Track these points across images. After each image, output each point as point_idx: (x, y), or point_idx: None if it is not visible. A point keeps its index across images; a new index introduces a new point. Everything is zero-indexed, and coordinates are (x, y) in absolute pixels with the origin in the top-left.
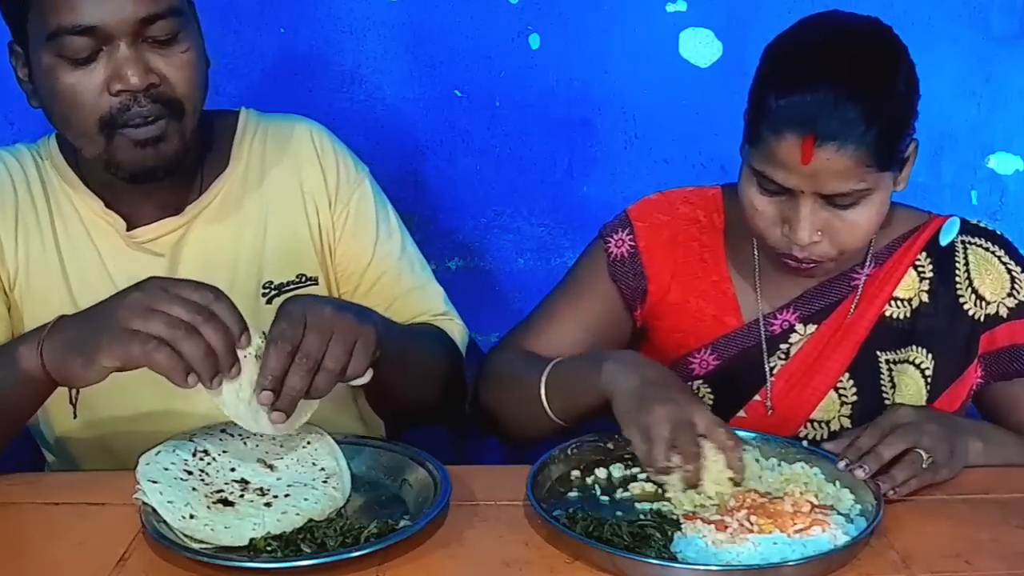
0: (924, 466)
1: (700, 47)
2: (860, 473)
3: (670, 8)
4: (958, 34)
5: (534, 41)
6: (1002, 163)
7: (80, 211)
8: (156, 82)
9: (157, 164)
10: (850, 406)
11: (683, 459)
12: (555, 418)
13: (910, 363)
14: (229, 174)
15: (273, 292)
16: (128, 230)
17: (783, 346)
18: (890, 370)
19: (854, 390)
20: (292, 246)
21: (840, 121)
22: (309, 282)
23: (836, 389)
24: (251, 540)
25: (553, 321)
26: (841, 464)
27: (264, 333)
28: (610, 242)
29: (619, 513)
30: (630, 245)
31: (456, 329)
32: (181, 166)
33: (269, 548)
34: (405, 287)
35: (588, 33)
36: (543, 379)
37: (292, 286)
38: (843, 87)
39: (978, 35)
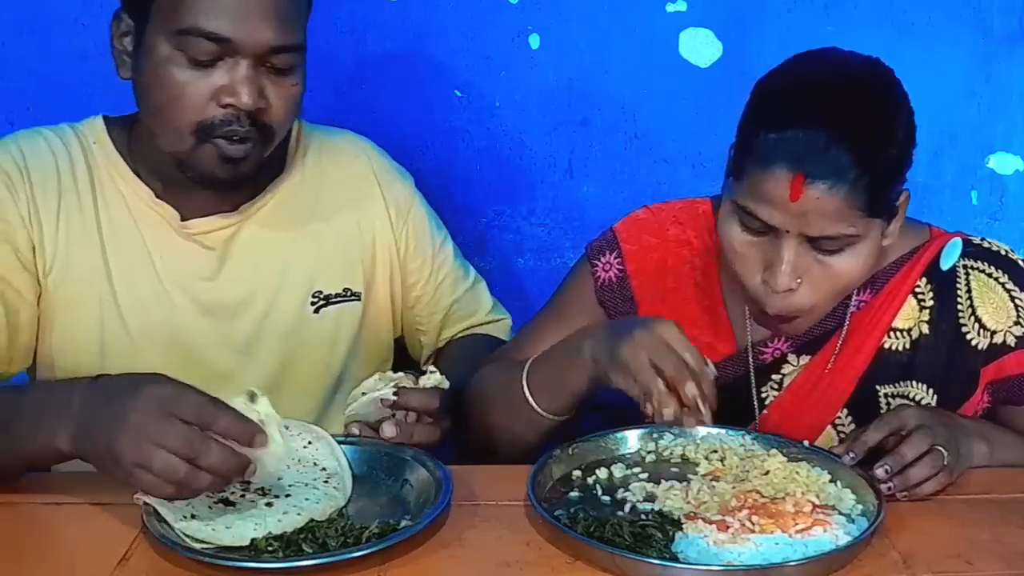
0: (944, 463)
1: (700, 47)
2: (881, 473)
3: (670, 8)
4: (958, 34)
5: (534, 41)
6: (1002, 163)
7: (128, 199)
8: (263, 107)
9: (230, 178)
10: None
11: (669, 377)
12: (542, 412)
13: (910, 399)
14: (285, 181)
15: (321, 302)
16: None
17: (775, 377)
18: (888, 404)
19: (852, 426)
20: (343, 260)
21: (833, 162)
22: (353, 297)
23: (833, 424)
24: (252, 540)
25: (538, 342)
26: (847, 458)
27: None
28: (597, 265)
29: (620, 513)
30: (618, 269)
31: (503, 329)
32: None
33: (270, 548)
34: (461, 290)
35: (588, 33)
36: (524, 376)
37: (339, 298)
38: (839, 128)
39: (978, 35)
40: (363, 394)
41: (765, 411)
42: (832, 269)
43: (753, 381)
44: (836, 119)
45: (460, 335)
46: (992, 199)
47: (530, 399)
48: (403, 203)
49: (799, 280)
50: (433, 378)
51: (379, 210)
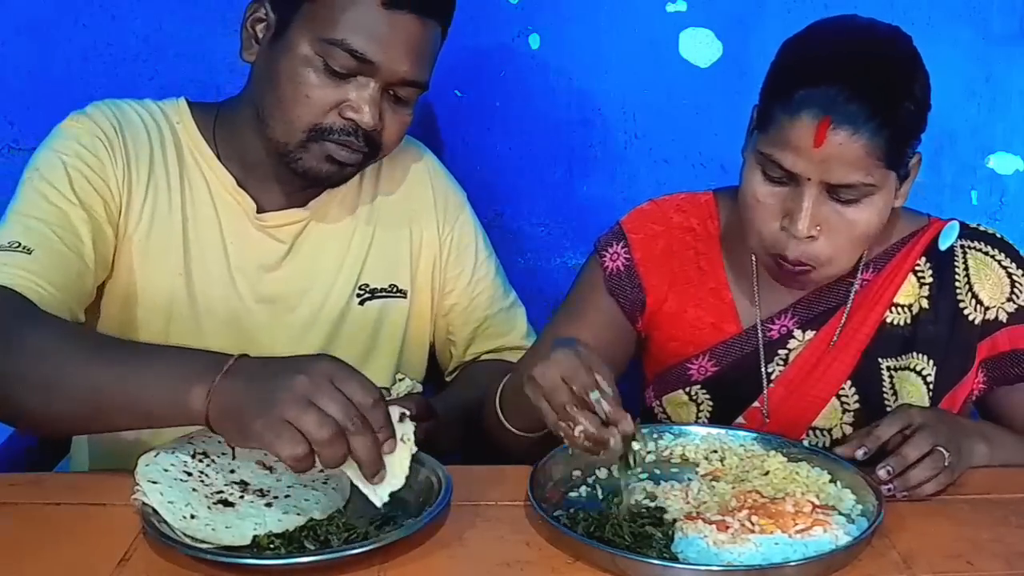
0: (945, 463)
1: (700, 47)
2: (883, 474)
3: (670, 8)
4: (958, 34)
5: (534, 41)
6: (1002, 163)
7: (211, 184)
8: (380, 128)
9: (331, 178)
10: (852, 413)
11: (577, 392)
12: (511, 429)
13: (912, 370)
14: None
15: (367, 295)
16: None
17: (781, 352)
18: (892, 377)
19: (856, 397)
20: (392, 257)
21: (855, 111)
22: (399, 294)
23: (838, 397)
24: (255, 538)
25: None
26: (859, 453)
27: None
28: (605, 256)
29: (619, 513)
30: (625, 258)
31: None
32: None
33: (272, 546)
34: (496, 307)
35: (588, 33)
36: (498, 393)
37: (384, 293)
38: (862, 81)
39: (978, 35)
40: None
41: (772, 385)
42: (849, 219)
43: (762, 357)
44: (860, 73)
45: (489, 355)
46: (992, 199)
47: (501, 416)
48: (452, 211)
49: (818, 228)
50: (402, 385)
51: (429, 214)
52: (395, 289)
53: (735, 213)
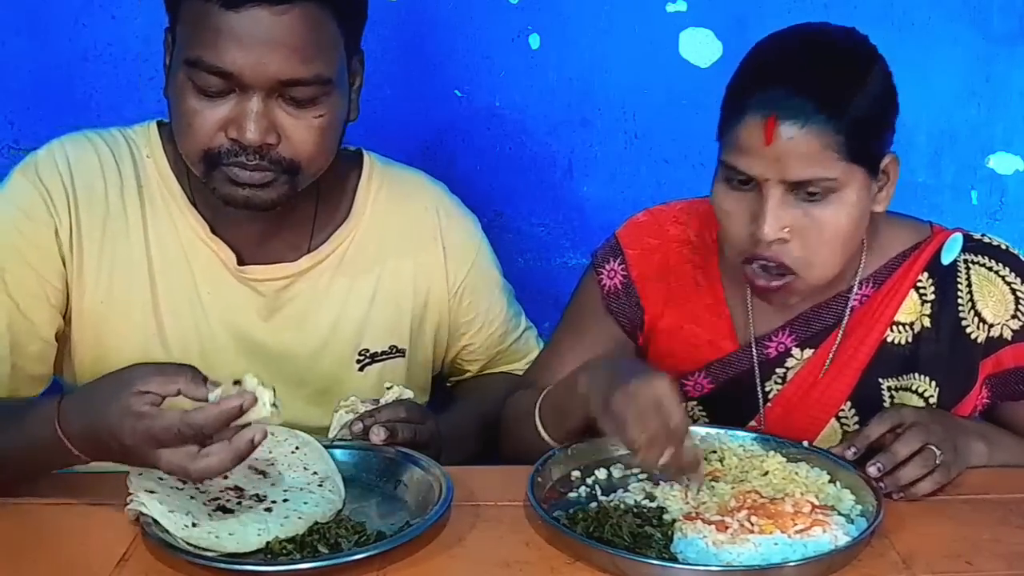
0: (937, 462)
1: (700, 47)
2: (873, 471)
3: (670, 8)
4: (958, 34)
5: (534, 41)
6: (1002, 163)
7: (180, 231)
8: (274, 142)
9: (249, 202)
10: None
11: (650, 441)
12: (551, 442)
13: (913, 391)
14: (350, 229)
15: (367, 360)
16: (238, 264)
17: (779, 370)
18: (892, 397)
19: (856, 419)
20: (393, 317)
21: (801, 105)
22: (398, 354)
23: (837, 418)
24: (267, 544)
25: (555, 361)
26: (850, 452)
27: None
28: (602, 273)
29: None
30: (623, 275)
31: None
32: (287, 206)
33: (285, 552)
34: (509, 341)
35: (588, 33)
36: (537, 409)
37: (384, 356)
38: (810, 74)
39: (978, 35)
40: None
41: (769, 404)
42: (817, 219)
43: (757, 375)
44: (804, 69)
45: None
46: (992, 199)
47: (543, 433)
48: (464, 258)
49: (787, 228)
50: (391, 392)
51: (437, 264)
52: (394, 349)
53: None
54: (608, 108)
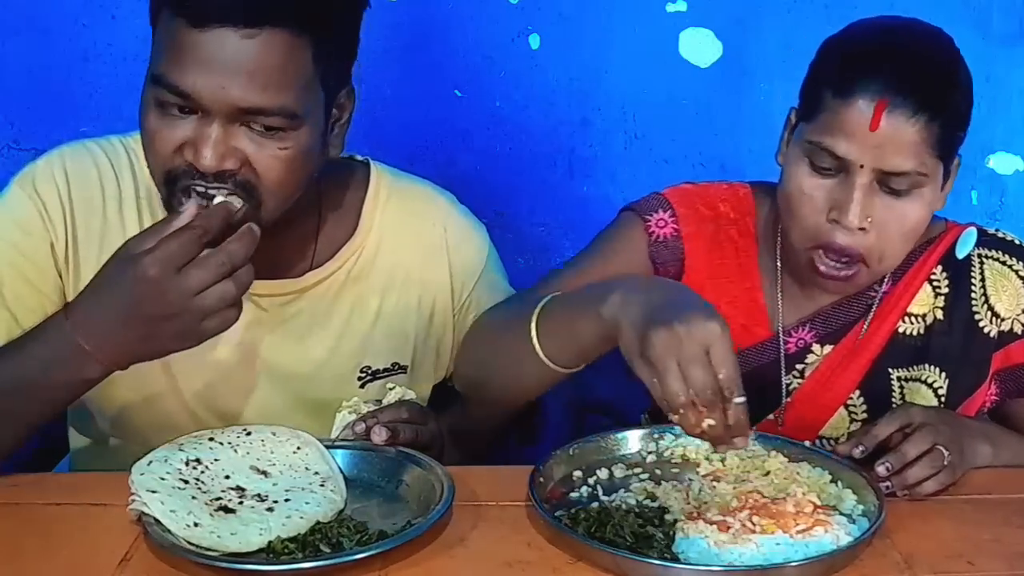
0: (945, 463)
1: (700, 47)
2: (882, 470)
3: (670, 8)
4: (958, 34)
5: (534, 41)
6: (1002, 163)
7: None
8: (233, 168)
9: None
10: (859, 423)
11: (692, 400)
12: (548, 361)
13: (923, 382)
14: (356, 245)
15: (368, 377)
16: None
17: (799, 366)
18: (901, 387)
19: (864, 407)
20: (397, 335)
21: (911, 96)
22: (400, 371)
23: (846, 406)
24: (270, 543)
25: (579, 281)
26: (857, 451)
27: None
28: (650, 220)
29: (621, 513)
30: (674, 227)
31: None
32: (288, 221)
33: (287, 551)
34: None
35: (588, 33)
36: (535, 314)
37: (385, 373)
38: (919, 67)
39: (978, 35)
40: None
41: (789, 398)
42: (900, 212)
43: (783, 367)
44: (914, 61)
45: None
46: (992, 199)
47: (535, 341)
48: (470, 273)
49: (869, 220)
50: (393, 393)
51: (443, 282)
52: (396, 366)
53: (771, 212)
54: (608, 108)
